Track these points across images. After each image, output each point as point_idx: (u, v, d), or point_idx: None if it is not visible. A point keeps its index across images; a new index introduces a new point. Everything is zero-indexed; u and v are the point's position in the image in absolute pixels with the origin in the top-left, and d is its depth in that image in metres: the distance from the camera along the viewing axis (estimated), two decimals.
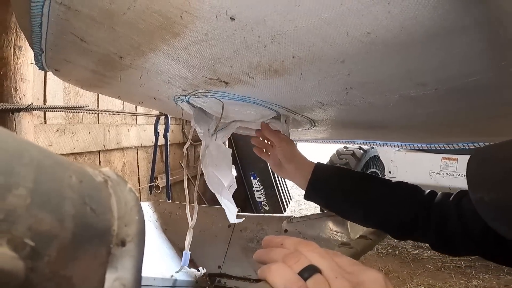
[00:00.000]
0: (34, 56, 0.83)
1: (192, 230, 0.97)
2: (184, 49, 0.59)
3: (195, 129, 0.94)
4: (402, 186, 0.81)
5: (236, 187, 1.03)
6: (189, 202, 1.03)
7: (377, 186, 0.83)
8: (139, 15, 0.51)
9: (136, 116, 2.41)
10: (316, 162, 0.92)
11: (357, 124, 0.99)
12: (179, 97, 0.90)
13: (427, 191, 0.78)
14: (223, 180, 0.94)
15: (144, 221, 0.23)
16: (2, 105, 1.23)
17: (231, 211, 1.02)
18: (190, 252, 1.01)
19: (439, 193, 0.76)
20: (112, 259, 0.22)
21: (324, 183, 0.87)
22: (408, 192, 0.80)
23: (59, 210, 0.18)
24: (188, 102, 0.89)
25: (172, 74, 0.73)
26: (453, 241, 0.70)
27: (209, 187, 0.94)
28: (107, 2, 0.50)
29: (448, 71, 0.57)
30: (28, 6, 0.56)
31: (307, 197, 0.90)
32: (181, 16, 0.49)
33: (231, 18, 0.47)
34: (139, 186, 2.44)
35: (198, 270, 1.42)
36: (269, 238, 0.45)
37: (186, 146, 1.03)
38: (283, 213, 4.06)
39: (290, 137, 0.94)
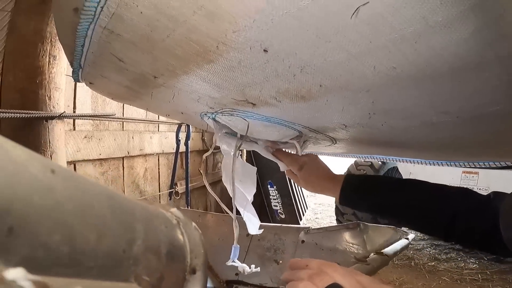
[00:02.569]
0: (72, 71, 0.87)
1: (238, 224, 0.99)
2: (216, 74, 0.62)
3: (215, 139, 0.97)
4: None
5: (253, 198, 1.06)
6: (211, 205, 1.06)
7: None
8: (177, 42, 0.55)
9: (158, 124, 2.47)
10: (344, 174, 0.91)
11: (377, 143, 1.01)
12: (205, 114, 0.93)
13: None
14: (247, 195, 0.97)
15: (206, 252, 0.28)
16: (37, 113, 1.28)
17: (253, 223, 1.05)
18: (239, 246, 1.03)
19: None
20: (186, 284, 0.26)
21: (355, 192, 0.86)
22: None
23: (158, 251, 0.25)
24: (214, 119, 0.92)
25: (201, 94, 0.76)
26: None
27: (234, 202, 0.97)
28: (148, 29, 0.53)
29: (471, 101, 0.59)
30: (75, 28, 0.59)
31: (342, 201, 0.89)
32: (217, 47, 0.52)
33: (264, 50, 0.51)
34: (159, 191, 2.49)
35: (217, 277, 1.45)
36: (295, 260, 0.48)
37: (206, 154, 1.06)
38: (299, 222, 4.07)
39: (310, 150, 0.95)
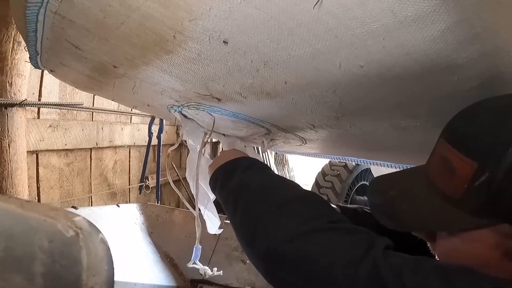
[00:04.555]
0: (29, 57, 0.82)
1: (200, 223, 0.95)
2: (177, 65, 0.59)
3: (181, 133, 0.94)
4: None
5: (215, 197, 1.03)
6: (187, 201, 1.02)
7: None
8: (133, 30, 0.51)
9: (131, 115, 2.40)
10: None
11: (348, 145, 0.99)
12: (172, 107, 0.89)
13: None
14: (210, 193, 0.93)
15: (113, 268, 0.25)
16: None
17: (213, 223, 1.02)
18: (201, 247, 0.99)
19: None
20: None
21: None
22: None
23: (29, 270, 0.22)
24: (180, 112, 0.89)
25: (165, 86, 0.72)
26: None
27: (197, 200, 0.93)
28: (101, 15, 0.49)
29: (440, 105, 0.57)
30: (24, 13, 0.55)
31: None
32: (174, 36, 0.48)
33: (224, 42, 0.47)
34: (130, 185, 2.43)
35: (182, 275, 1.41)
36: None
37: (171, 148, 1.02)
38: None
39: (282, 149, 0.93)
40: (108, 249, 0.24)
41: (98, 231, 0.25)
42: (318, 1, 0.36)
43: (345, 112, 0.63)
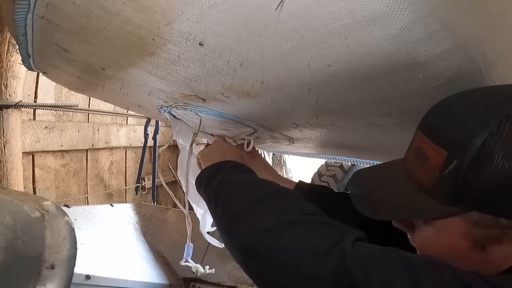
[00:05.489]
0: (22, 59, 0.84)
1: (191, 221, 0.98)
2: (160, 66, 0.61)
3: (171, 134, 0.97)
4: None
5: None
6: (179, 201, 1.04)
7: None
8: (115, 34, 0.53)
9: (127, 116, 2.42)
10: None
11: (333, 144, 1.01)
12: (161, 107, 0.92)
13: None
14: None
15: (75, 248, 0.28)
16: None
17: (206, 220, 1.04)
18: (192, 245, 1.02)
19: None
20: (42, 279, 0.25)
21: None
22: None
23: None
24: (170, 112, 0.91)
25: (152, 87, 0.75)
26: None
27: (186, 198, 0.96)
28: (84, 20, 0.52)
29: (411, 103, 0.60)
30: (13, 17, 0.58)
31: None
32: (153, 39, 0.51)
33: (200, 44, 0.50)
34: (126, 186, 2.45)
35: (175, 274, 1.44)
36: None
37: (162, 148, 1.03)
38: None
39: (274, 149, 0.94)
40: (72, 230, 0.28)
41: (64, 214, 0.28)
42: (280, 3, 0.39)
43: (322, 110, 0.66)
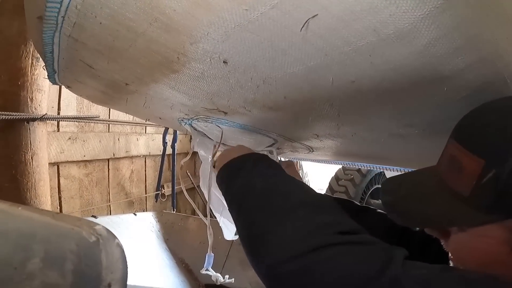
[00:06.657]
0: (48, 75, 0.87)
1: (212, 232, 0.98)
2: (183, 83, 0.62)
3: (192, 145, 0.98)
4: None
5: None
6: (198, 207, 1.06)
7: None
8: (140, 52, 0.55)
9: (145, 126, 2.46)
10: None
11: (354, 153, 1.01)
12: (182, 120, 0.93)
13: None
14: (223, 201, 0.96)
15: (127, 267, 0.32)
16: (18, 115, 1.28)
17: (229, 229, 1.05)
18: (213, 254, 1.03)
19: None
20: None
21: None
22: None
23: (62, 268, 0.29)
24: (190, 125, 0.92)
25: (174, 101, 0.76)
26: None
27: (211, 207, 0.97)
28: (110, 39, 0.54)
29: (433, 114, 0.60)
30: (41, 36, 0.60)
31: None
32: (178, 58, 0.52)
33: (224, 62, 0.51)
34: (146, 193, 2.48)
35: (196, 280, 1.45)
36: None
37: (184, 160, 1.04)
38: None
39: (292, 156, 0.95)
40: (123, 251, 0.32)
41: (115, 237, 0.32)
42: (304, 25, 0.39)
43: (344, 122, 0.66)
